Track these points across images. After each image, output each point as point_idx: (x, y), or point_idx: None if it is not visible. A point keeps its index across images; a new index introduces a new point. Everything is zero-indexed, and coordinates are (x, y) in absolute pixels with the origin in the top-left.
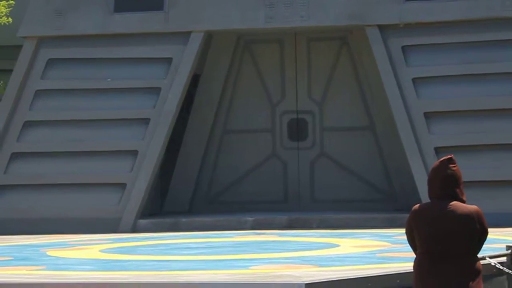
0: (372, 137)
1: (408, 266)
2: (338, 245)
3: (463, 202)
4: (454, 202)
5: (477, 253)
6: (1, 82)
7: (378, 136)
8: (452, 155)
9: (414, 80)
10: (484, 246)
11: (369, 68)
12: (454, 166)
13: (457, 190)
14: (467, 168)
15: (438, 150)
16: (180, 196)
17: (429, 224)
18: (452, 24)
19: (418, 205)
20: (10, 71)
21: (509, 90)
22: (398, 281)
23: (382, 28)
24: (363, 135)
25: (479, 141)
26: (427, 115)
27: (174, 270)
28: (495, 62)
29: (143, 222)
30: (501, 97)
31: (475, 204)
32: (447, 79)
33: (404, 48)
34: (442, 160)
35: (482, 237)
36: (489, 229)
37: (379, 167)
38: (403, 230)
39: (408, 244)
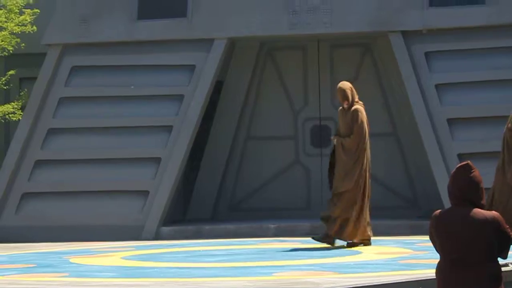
0: (395, 144)
1: (430, 272)
2: (360, 252)
3: (482, 207)
4: (472, 209)
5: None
6: (25, 89)
7: (401, 143)
8: (469, 161)
9: (437, 86)
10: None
11: (392, 74)
12: (472, 172)
13: (476, 196)
14: (491, 175)
15: (461, 157)
16: (203, 203)
17: (448, 232)
18: (475, 30)
19: (438, 211)
20: (34, 78)
21: None
22: (420, 287)
23: (405, 34)
24: (386, 142)
25: None
26: (450, 122)
27: (196, 277)
28: None
29: (165, 229)
30: None
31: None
32: (470, 85)
33: (427, 54)
34: (459, 167)
35: (502, 243)
36: None
37: (402, 174)
38: (426, 237)
39: (431, 251)
